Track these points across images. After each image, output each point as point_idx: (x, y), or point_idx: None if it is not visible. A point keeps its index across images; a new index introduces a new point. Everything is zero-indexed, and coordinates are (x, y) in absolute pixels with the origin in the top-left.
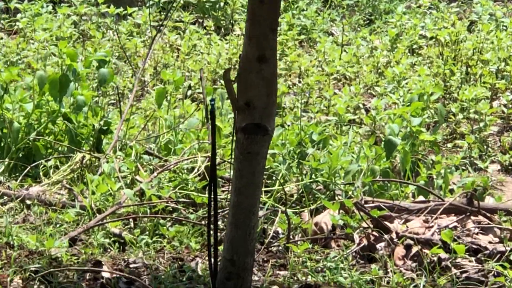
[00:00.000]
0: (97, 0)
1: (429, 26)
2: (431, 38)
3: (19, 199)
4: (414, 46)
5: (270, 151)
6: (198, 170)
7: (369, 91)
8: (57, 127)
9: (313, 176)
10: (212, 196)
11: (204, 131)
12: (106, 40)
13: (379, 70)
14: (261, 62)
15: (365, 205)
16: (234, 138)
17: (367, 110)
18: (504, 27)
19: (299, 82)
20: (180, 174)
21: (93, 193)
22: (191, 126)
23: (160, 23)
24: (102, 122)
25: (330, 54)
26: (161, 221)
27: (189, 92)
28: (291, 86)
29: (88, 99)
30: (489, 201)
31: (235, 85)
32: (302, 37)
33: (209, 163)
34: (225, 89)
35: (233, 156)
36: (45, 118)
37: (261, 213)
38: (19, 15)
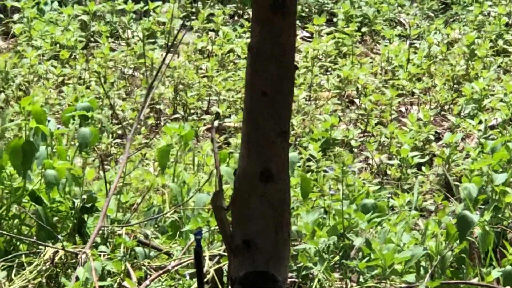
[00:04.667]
0: None
1: None
2: None
3: None
4: (500, 43)
5: (303, 246)
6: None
7: (442, 112)
8: (21, 209)
9: (361, 280)
10: None
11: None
12: (120, 52)
13: (455, 86)
14: (266, 182)
15: None
16: None
17: (438, 139)
18: None
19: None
20: (181, 281)
21: None
22: (200, 204)
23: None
24: (84, 198)
25: (396, 58)
26: None
27: (216, 123)
28: (343, 112)
29: (61, 173)
30: None
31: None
32: (364, 30)
33: (220, 263)
34: (215, 220)
35: None
36: (6, 200)
37: None
38: (16, 16)
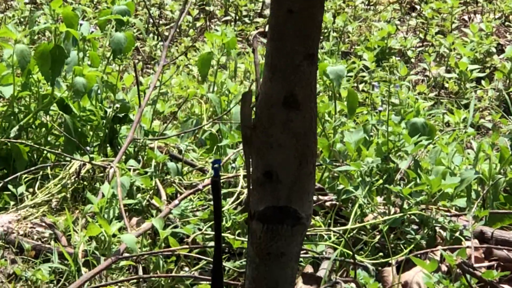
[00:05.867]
0: None
1: None
2: None
3: None
4: None
5: (344, 168)
6: (238, 196)
7: (506, 22)
8: (50, 118)
9: (405, 207)
10: None
11: None
12: None
13: None
14: (290, 108)
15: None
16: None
17: (501, 51)
18: None
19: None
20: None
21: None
22: (239, 118)
23: None
24: (117, 107)
25: None
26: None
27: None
28: (403, 19)
29: (92, 80)
30: None
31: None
32: None
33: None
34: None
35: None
36: (33, 105)
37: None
38: None
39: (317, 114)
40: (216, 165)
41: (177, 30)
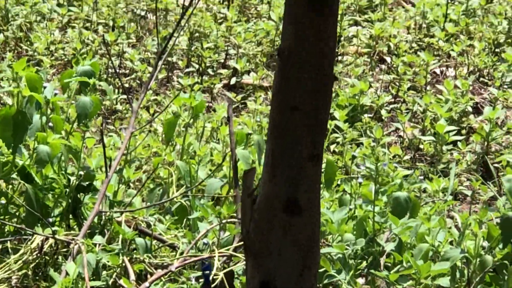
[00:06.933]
0: None
1: None
2: None
3: None
4: None
5: (327, 250)
6: (213, 280)
7: (481, 78)
8: (10, 186)
9: None
10: None
11: (227, 206)
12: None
13: (496, 49)
14: (292, 214)
15: None
16: None
17: (476, 108)
18: None
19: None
20: (186, 285)
21: None
22: (211, 190)
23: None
24: (81, 174)
25: (431, 12)
26: None
27: (234, 81)
28: (372, 72)
29: (55, 149)
30: None
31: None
32: None
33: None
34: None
35: None
36: None
37: None
38: None
39: (319, 219)
40: (206, 272)
41: (138, 81)
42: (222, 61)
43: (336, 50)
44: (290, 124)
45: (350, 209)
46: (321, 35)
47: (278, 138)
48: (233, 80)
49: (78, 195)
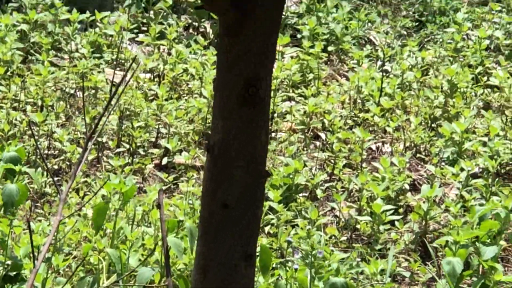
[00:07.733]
0: (54, 3)
1: (500, 40)
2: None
3: None
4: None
5: None
6: None
7: (418, 154)
8: None
9: None
10: None
11: None
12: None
13: (433, 124)
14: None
15: None
16: None
17: (413, 185)
18: None
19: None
20: None
21: None
22: (143, 280)
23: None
24: (8, 264)
25: (366, 86)
26: None
27: (165, 161)
28: (306, 149)
29: None
30: None
31: None
32: (331, 48)
33: None
34: None
35: None
36: None
37: None
38: None
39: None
40: None
41: (67, 163)
42: (153, 140)
43: (270, 127)
44: (220, 222)
45: None
46: (253, 130)
47: (208, 238)
48: (164, 160)
49: (5, 286)
